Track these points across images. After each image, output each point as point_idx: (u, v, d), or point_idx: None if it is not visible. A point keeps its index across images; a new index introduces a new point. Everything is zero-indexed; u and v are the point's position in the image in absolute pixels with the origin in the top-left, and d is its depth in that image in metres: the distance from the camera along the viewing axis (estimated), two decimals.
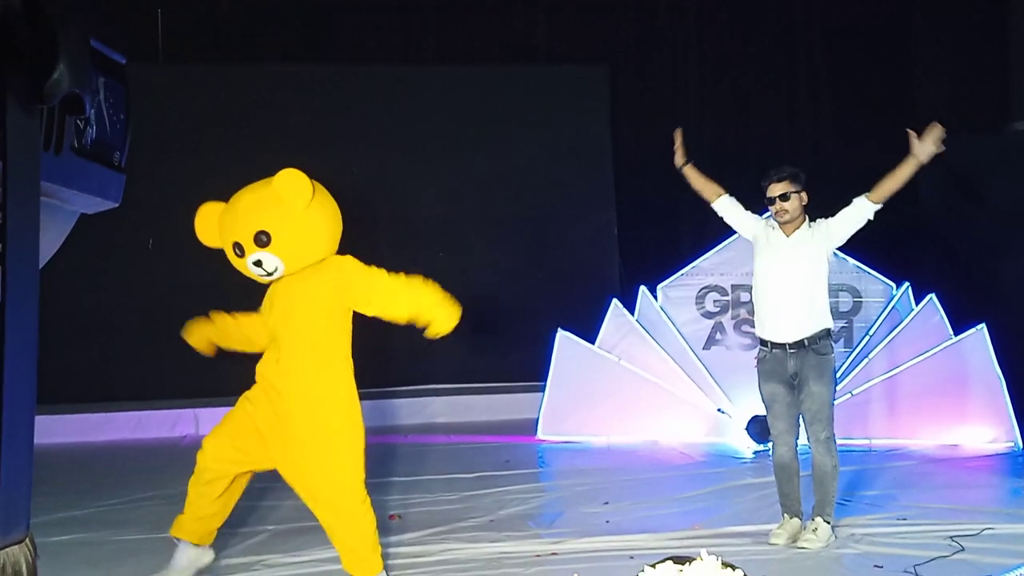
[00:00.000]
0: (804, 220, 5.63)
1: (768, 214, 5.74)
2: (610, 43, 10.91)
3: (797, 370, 5.53)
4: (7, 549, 2.02)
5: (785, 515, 5.65)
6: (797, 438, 5.63)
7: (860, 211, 5.65)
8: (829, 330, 5.59)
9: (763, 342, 5.67)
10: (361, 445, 4.75)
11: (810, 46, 10.95)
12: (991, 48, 10.34)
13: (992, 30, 10.29)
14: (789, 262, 5.56)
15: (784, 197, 5.54)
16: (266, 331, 4.87)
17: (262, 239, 4.57)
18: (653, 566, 1.70)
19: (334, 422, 4.70)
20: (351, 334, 4.77)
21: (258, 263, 4.61)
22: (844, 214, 5.66)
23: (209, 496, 4.90)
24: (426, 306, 4.66)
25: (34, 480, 7.55)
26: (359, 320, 4.90)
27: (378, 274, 4.69)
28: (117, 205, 3.38)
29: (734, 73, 10.83)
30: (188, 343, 4.96)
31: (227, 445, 4.86)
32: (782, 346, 5.56)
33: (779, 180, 5.57)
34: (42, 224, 2.68)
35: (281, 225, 4.56)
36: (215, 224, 4.78)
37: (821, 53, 10.91)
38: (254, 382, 4.96)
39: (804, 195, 5.62)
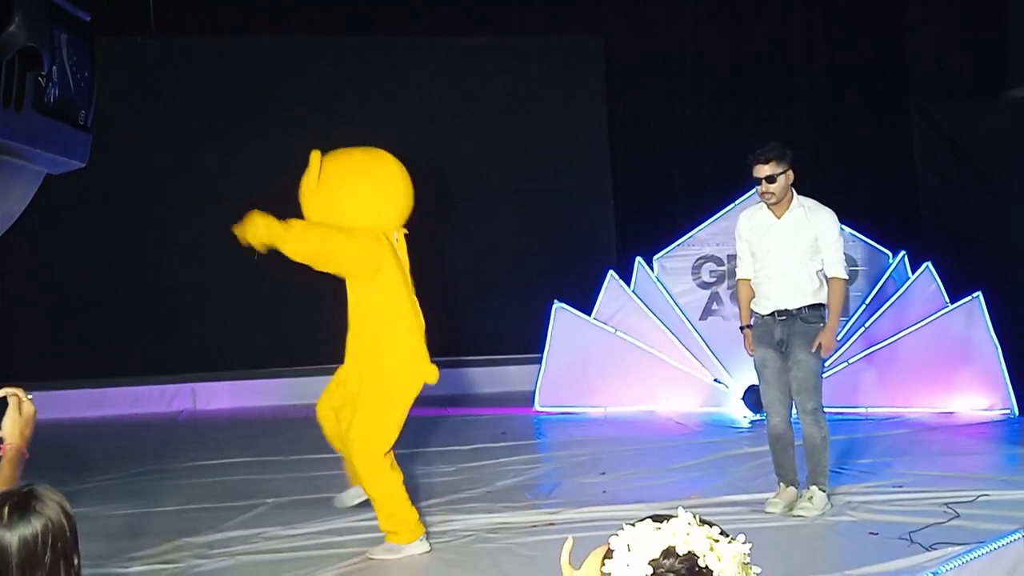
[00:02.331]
0: (792, 198, 5.56)
1: (749, 194, 5.71)
2: (605, 13, 10.84)
3: (784, 337, 5.53)
4: (48, 512, 2.07)
5: (781, 484, 5.67)
6: (791, 408, 5.64)
7: (829, 262, 5.55)
8: (822, 305, 5.57)
9: (757, 314, 5.69)
10: None
11: (808, 16, 10.89)
12: (988, 15, 10.28)
13: None
14: (782, 242, 5.53)
15: (771, 179, 5.46)
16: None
17: None
18: (632, 525, 1.71)
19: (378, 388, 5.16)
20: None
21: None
22: (828, 250, 5.54)
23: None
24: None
25: (33, 455, 7.55)
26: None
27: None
28: (83, 165, 3.33)
29: (730, 42, 10.76)
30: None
31: None
32: (772, 314, 5.57)
33: (765, 161, 5.45)
34: (5, 184, 2.64)
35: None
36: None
37: (818, 23, 10.85)
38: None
39: (791, 173, 5.50)
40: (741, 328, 5.83)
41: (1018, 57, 10.08)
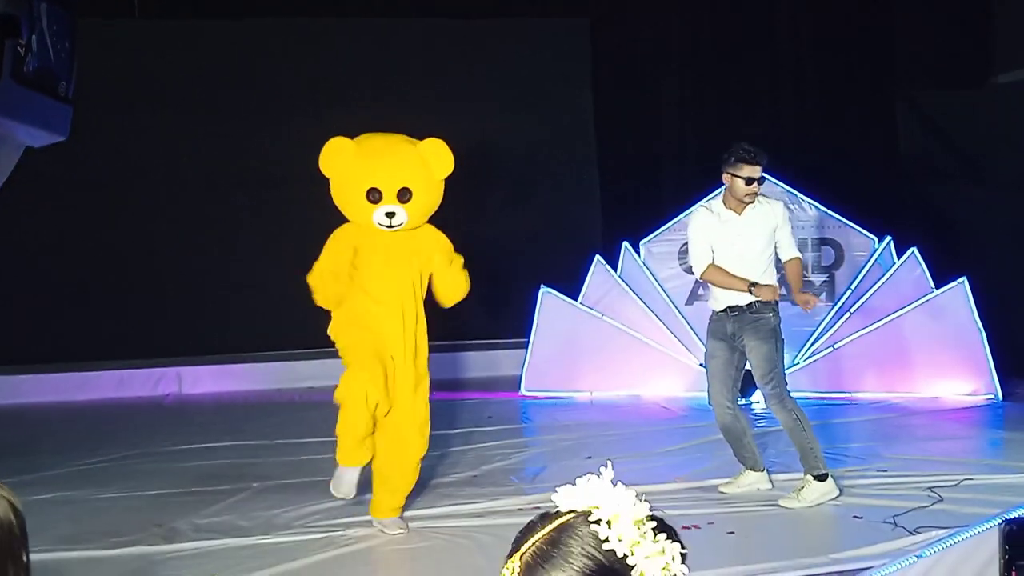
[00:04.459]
0: None
1: (709, 199, 5.77)
2: None
3: (735, 331, 5.55)
4: None
5: (743, 467, 5.78)
6: (734, 400, 5.68)
7: (787, 246, 5.64)
8: (772, 301, 5.55)
9: (712, 310, 5.72)
10: None
11: (794, 2, 10.88)
12: (974, 2, 10.28)
13: None
14: (740, 238, 5.55)
15: (761, 180, 5.55)
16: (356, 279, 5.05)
17: (404, 195, 4.95)
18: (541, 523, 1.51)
19: (424, 380, 5.25)
20: None
21: (390, 215, 4.96)
22: (787, 236, 5.62)
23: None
24: (460, 294, 5.27)
25: (18, 439, 7.55)
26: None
27: (458, 261, 5.19)
28: (64, 138, 3.29)
29: (716, 28, 10.74)
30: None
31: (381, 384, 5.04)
32: (725, 310, 5.58)
33: (761, 163, 5.50)
34: None
35: (422, 187, 5.00)
36: (345, 159, 5.03)
37: (804, 10, 10.84)
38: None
39: None
40: (751, 288, 5.47)
41: (1003, 44, 10.08)
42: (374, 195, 4.95)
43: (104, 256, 10.11)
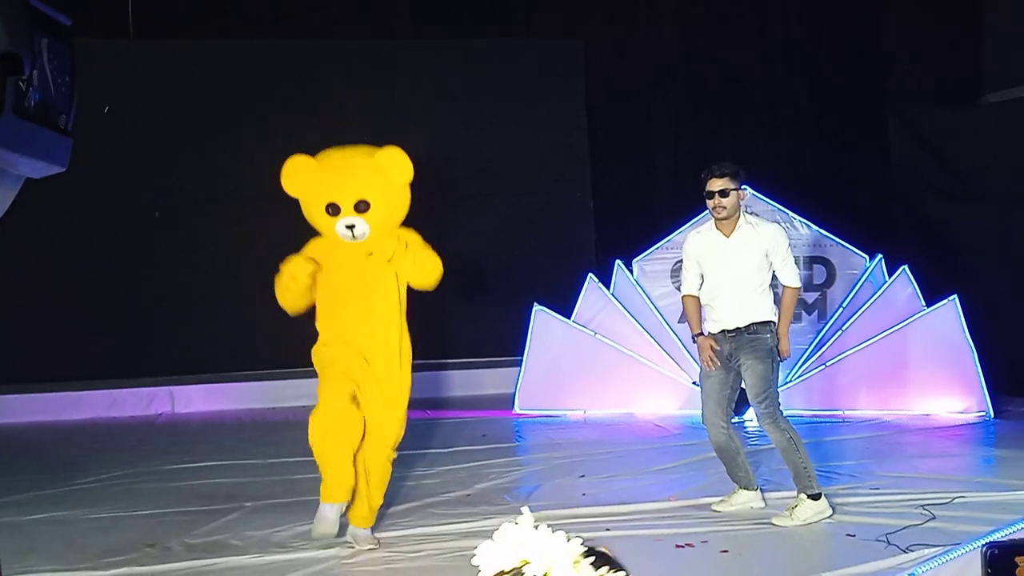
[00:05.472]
0: (739, 217, 5.60)
1: (700, 218, 5.77)
2: (585, 17, 10.87)
3: (732, 351, 5.56)
4: None
5: (736, 486, 5.78)
6: (728, 420, 5.68)
7: (783, 273, 5.62)
8: (770, 322, 5.58)
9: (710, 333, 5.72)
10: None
11: (786, 21, 10.94)
12: (964, 20, 10.35)
13: (965, 1, 10.32)
14: (733, 260, 5.56)
15: (723, 193, 5.51)
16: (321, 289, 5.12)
17: (362, 206, 4.97)
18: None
19: (406, 377, 5.22)
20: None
21: (350, 227, 4.98)
22: (780, 262, 5.59)
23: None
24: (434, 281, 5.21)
25: (8, 459, 7.53)
26: None
27: (414, 240, 5.16)
28: (64, 169, 3.36)
29: (709, 47, 10.80)
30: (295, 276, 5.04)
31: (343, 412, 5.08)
32: (721, 332, 5.60)
33: (720, 176, 5.53)
34: None
35: (379, 197, 5.01)
36: (304, 177, 5.08)
37: (797, 28, 10.91)
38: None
39: (743, 193, 5.63)
40: (694, 338, 5.75)
41: (994, 64, 10.15)
42: (332, 209, 4.99)
43: (95, 275, 10.11)
